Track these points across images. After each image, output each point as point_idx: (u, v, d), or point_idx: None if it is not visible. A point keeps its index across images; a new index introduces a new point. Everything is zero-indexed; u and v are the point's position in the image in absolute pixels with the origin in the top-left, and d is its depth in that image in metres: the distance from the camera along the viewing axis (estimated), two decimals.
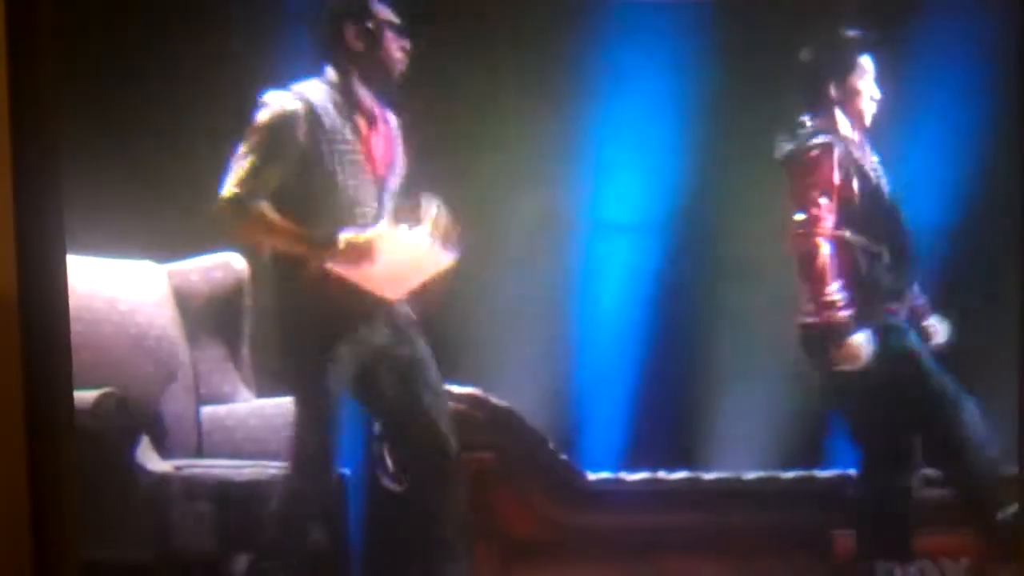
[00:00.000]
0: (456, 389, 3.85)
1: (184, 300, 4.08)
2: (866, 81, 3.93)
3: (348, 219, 3.63)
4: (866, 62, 3.92)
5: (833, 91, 3.91)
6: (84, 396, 3.64)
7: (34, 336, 3.41)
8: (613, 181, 4.03)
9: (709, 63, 3.97)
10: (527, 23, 3.95)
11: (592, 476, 4.01)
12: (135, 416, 3.73)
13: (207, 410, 4.05)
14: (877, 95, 3.93)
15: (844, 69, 3.92)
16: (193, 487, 3.75)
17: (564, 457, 4.00)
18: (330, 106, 3.65)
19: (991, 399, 3.96)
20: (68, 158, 3.56)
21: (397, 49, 3.69)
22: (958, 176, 4.01)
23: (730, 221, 4.06)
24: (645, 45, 4.00)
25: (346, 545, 3.85)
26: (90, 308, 3.88)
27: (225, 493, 3.77)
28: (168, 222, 3.96)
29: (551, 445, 3.99)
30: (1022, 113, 3.96)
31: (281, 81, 3.72)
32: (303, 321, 3.65)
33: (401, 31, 3.70)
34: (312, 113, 3.63)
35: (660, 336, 4.10)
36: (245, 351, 4.12)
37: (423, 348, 3.75)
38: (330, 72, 3.70)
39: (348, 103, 3.68)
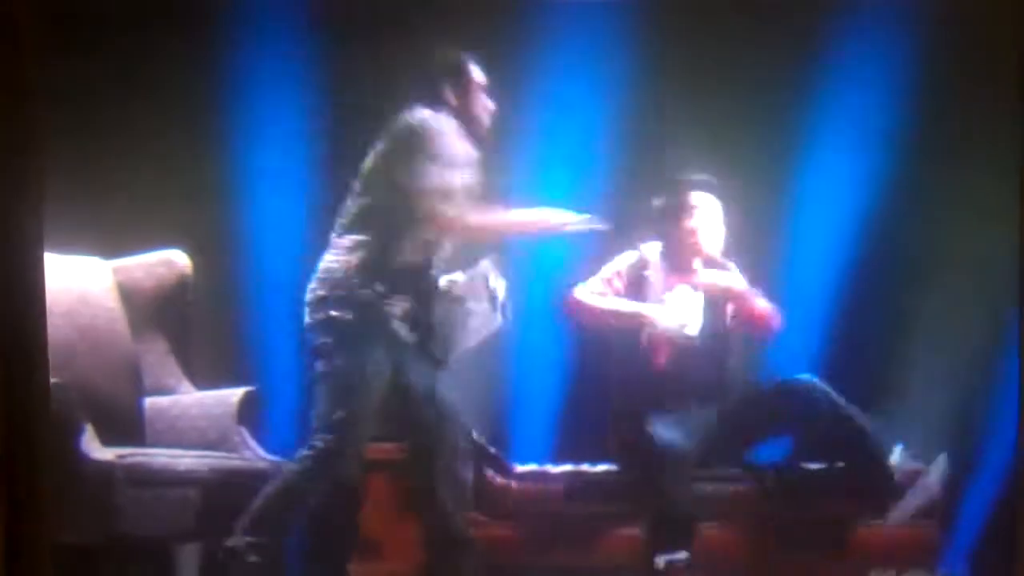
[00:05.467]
0: None
1: (128, 295, 4.14)
2: (699, 217, 4.16)
3: None
4: (700, 199, 4.17)
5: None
6: None
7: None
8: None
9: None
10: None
11: (520, 468, 4.19)
12: (80, 406, 3.72)
13: (150, 400, 4.11)
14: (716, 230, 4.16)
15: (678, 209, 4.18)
16: (136, 475, 3.74)
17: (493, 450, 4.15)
18: None
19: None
20: None
21: (483, 109, 3.79)
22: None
23: None
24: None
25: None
26: None
27: (166, 481, 3.78)
28: (114, 220, 4.08)
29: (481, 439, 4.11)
30: None
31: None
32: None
33: (489, 92, 3.79)
34: None
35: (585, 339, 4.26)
36: (188, 344, 4.19)
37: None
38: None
39: None
